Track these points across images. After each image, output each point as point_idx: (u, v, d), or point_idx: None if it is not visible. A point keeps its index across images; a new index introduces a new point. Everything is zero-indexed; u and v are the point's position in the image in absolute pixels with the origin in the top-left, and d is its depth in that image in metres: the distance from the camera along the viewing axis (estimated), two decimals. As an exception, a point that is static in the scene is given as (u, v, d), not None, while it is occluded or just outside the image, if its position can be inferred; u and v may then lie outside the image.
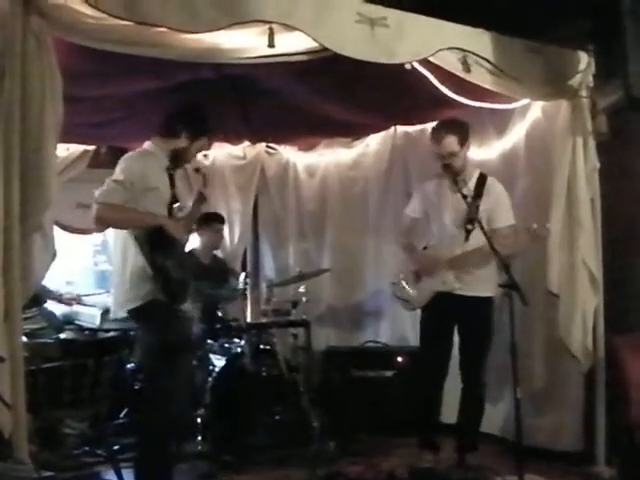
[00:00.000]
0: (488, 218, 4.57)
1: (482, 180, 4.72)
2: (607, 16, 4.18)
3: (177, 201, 4.34)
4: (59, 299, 6.21)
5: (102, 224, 4.25)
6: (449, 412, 4.98)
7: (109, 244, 7.64)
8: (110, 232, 7.04)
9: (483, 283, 4.69)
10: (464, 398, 4.80)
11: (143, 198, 4.10)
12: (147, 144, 4.36)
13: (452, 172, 4.59)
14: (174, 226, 4.20)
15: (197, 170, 4.68)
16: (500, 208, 4.68)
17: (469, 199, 4.48)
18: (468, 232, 4.65)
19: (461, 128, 4.71)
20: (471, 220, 4.59)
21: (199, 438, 5.20)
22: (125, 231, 4.20)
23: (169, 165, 4.32)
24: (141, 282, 4.09)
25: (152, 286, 4.06)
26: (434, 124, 4.86)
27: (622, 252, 4.85)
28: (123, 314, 4.37)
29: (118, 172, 4.11)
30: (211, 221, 6.33)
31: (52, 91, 3.20)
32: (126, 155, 4.25)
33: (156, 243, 4.08)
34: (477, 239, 4.54)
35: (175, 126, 4.32)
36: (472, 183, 4.69)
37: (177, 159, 4.36)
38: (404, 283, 4.91)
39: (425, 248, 4.95)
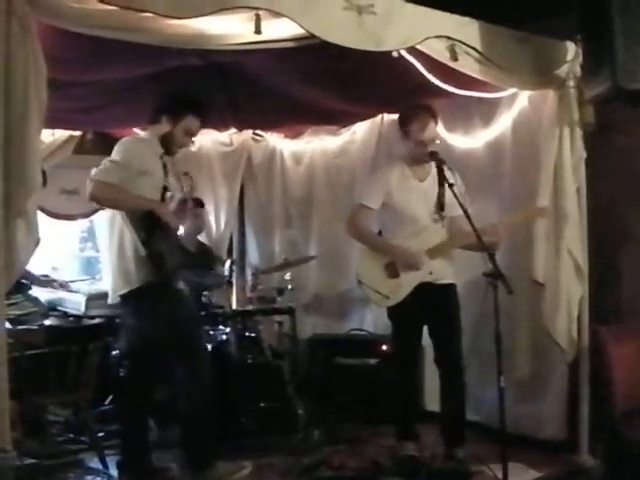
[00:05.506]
0: (449, 204, 4.59)
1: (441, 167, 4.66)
2: (595, 6, 4.17)
3: (168, 188, 4.44)
4: (45, 285, 6.18)
5: (97, 202, 4.30)
6: (433, 399, 5.00)
7: (95, 231, 7.62)
8: (98, 219, 7.08)
9: (450, 270, 4.72)
10: (446, 388, 4.73)
11: (138, 181, 4.23)
12: (142, 133, 4.57)
13: (438, 159, 4.58)
14: (167, 212, 4.34)
15: (186, 174, 4.69)
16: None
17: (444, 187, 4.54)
18: (444, 219, 4.66)
19: (435, 114, 4.68)
20: (442, 206, 4.61)
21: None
22: (120, 218, 4.28)
23: (162, 152, 4.43)
24: (138, 266, 4.23)
25: (148, 269, 4.20)
26: (409, 108, 4.73)
27: (607, 241, 4.87)
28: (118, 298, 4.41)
29: (115, 153, 4.24)
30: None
31: (36, 76, 3.16)
32: (123, 139, 4.40)
33: (151, 229, 4.18)
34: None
35: (154, 112, 4.47)
36: (433, 170, 4.67)
37: (167, 145, 4.46)
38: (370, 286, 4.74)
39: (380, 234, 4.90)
